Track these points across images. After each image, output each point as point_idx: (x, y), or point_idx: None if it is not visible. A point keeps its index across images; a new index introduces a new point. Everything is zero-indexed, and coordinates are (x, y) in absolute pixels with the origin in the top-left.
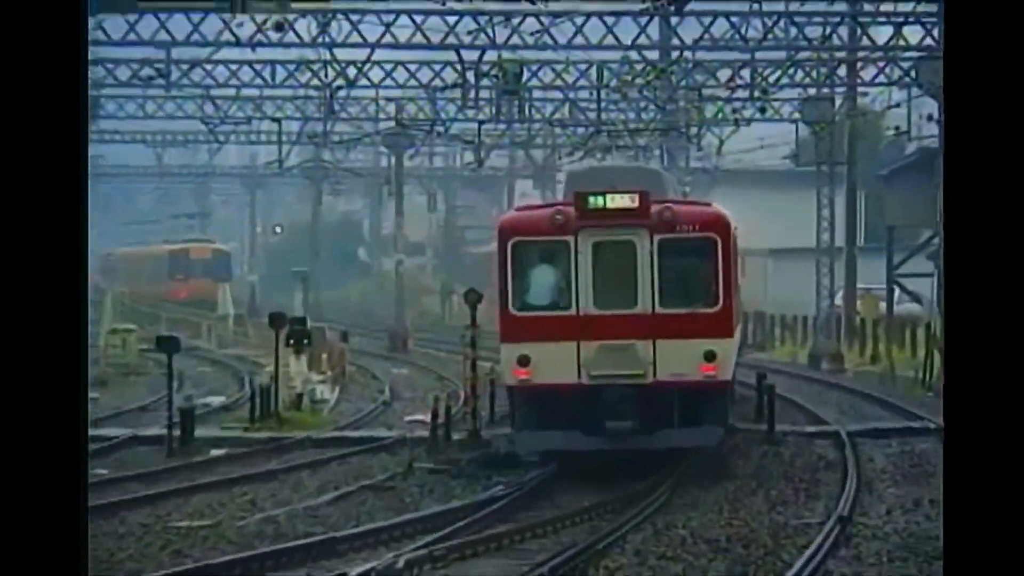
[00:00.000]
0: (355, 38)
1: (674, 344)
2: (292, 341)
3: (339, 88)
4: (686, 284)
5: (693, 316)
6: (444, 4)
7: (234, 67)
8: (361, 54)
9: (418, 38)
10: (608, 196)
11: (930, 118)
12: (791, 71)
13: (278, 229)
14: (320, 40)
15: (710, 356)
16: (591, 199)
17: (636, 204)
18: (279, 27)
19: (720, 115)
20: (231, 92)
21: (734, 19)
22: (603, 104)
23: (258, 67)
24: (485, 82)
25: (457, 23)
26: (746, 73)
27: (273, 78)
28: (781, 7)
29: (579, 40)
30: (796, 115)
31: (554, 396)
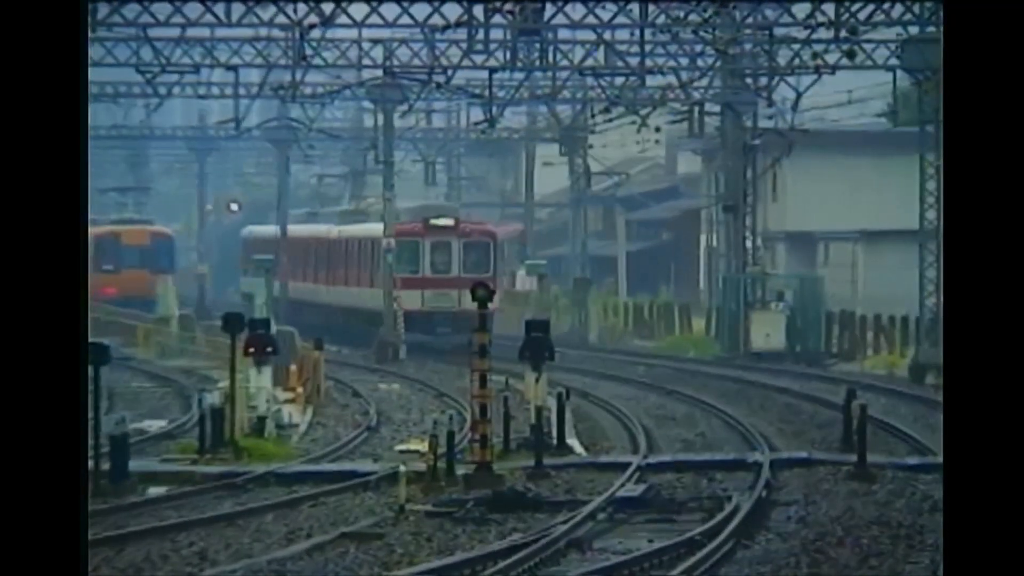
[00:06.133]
0: None
1: (469, 292)
2: (253, 350)
3: (312, 27)
4: (476, 263)
5: (478, 279)
6: None
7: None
8: None
9: None
10: (440, 219)
11: None
12: (888, 5)
13: (234, 206)
14: None
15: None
16: (432, 221)
17: (453, 224)
18: None
19: (797, 61)
20: (174, 32)
21: None
22: (647, 47)
23: (208, 1)
24: (498, 19)
25: None
26: (830, 7)
27: (228, 15)
28: None
29: None
30: (894, 61)
31: (411, 315)
